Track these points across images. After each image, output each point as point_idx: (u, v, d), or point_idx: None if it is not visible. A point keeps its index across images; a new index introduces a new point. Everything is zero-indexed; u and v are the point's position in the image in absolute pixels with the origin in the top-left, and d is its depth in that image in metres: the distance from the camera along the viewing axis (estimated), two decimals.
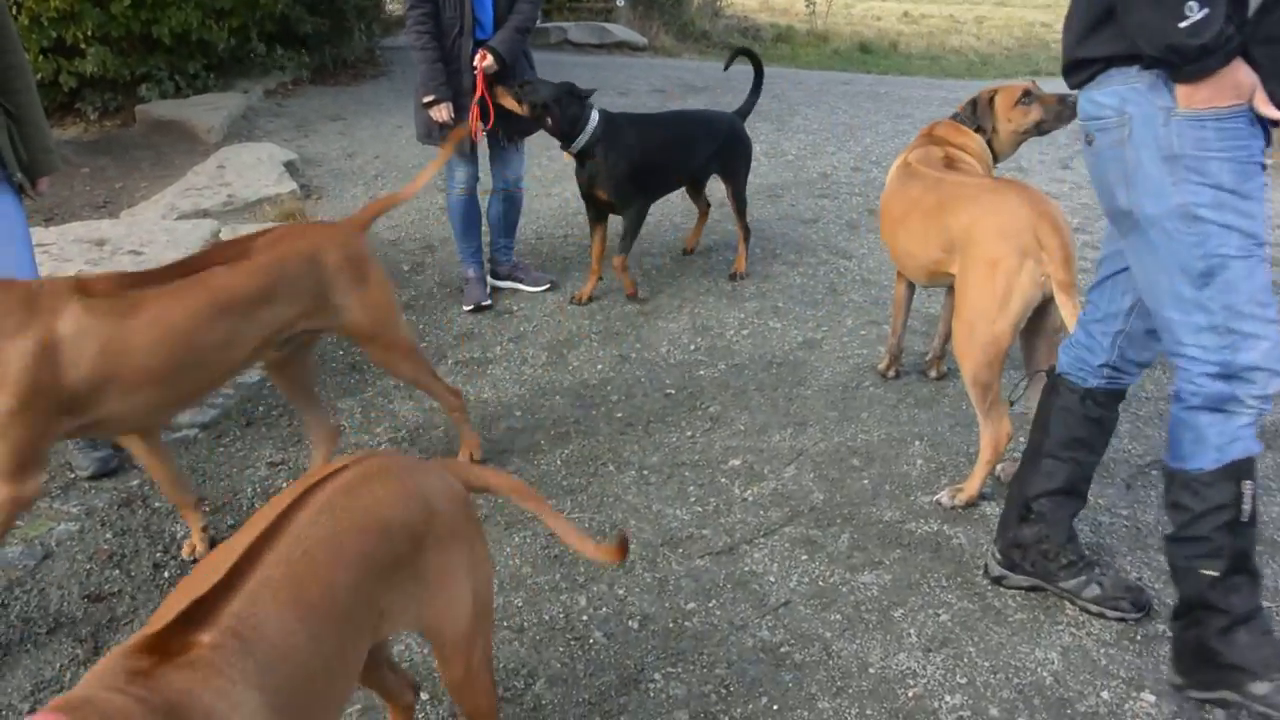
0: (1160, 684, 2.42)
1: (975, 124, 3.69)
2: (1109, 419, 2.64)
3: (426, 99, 4.23)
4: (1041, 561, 2.68)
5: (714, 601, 2.67)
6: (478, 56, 4.19)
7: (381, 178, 6.64)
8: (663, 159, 4.62)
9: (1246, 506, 2.22)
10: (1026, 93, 3.63)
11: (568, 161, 4.82)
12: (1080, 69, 2.28)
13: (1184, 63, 2.02)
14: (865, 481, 3.28)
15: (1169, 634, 2.59)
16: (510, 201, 4.73)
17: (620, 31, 15.01)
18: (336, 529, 1.52)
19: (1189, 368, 2.24)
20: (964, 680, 2.42)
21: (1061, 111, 3.57)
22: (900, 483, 3.28)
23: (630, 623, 2.59)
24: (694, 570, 2.80)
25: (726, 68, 5.06)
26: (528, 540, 2.92)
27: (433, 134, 4.32)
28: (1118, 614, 2.63)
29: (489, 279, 4.79)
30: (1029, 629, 2.60)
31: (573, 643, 2.52)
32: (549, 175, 6.91)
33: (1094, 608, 2.65)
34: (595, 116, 4.35)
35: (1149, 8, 2.01)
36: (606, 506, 3.10)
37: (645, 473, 3.30)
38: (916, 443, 3.54)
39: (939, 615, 2.64)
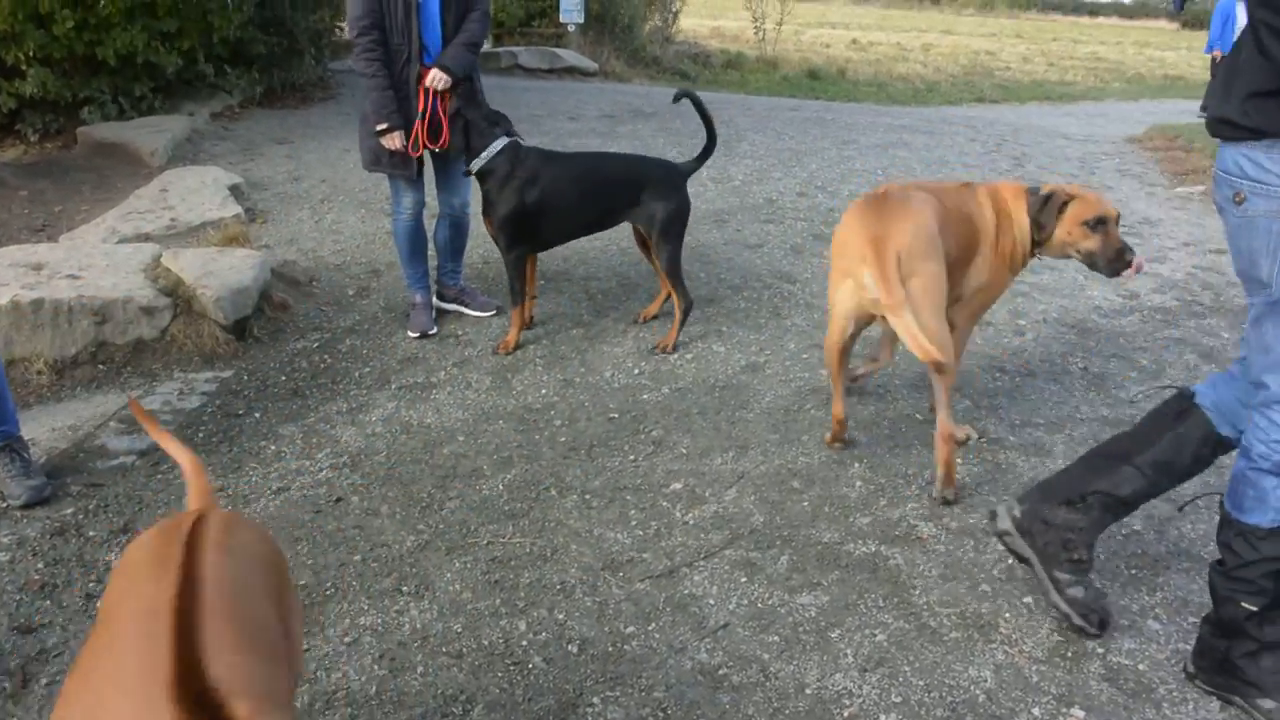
0: (1089, 700, 2.47)
1: (1035, 215, 3.42)
2: (1207, 464, 2.69)
3: (379, 127, 4.20)
4: (1055, 546, 2.68)
5: (653, 625, 2.69)
6: (428, 76, 4.18)
7: (328, 201, 6.62)
8: (562, 204, 4.33)
9: None
10: (1101, 219, 3.34)
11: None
12: (1242, 128, 2.22)
13: None
14: (805, 503, 3.32)
15: (1099, 651, 2.65)
16: (457, 226, 4.73)
17: (571, 57, 15.11)
18: (242, 570, 1.47)
19: (1270, 432, 2.30)
20: (899, 699, 2.46)
21: (1116, 262, 3.33)
22: (839, 504, 3.32)
23: (569, 647, 2.60)
24: (634, 594, 2.82)
25: (676, 101, 4.84)
26: (468, 566, 2.91)
27: (380, 161, 4.33)
28: (1082, 623, 2.67)
29: (434, 300, 4.78)
30: (963, 647, 2.65)
31: (511, 668, 2.52)
32: None
33: (1065, 607, 2.67)
34: (501, 142, 4.24)
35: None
36: (548, 531, 3.11)
37: (587, 497, 3.31)
38: (856, 464, 3.59)
39: (875, 635, 2.68)
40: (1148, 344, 4.92)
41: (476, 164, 4.25)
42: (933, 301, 3.14)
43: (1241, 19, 10.78)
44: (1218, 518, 3.28)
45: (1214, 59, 15.59)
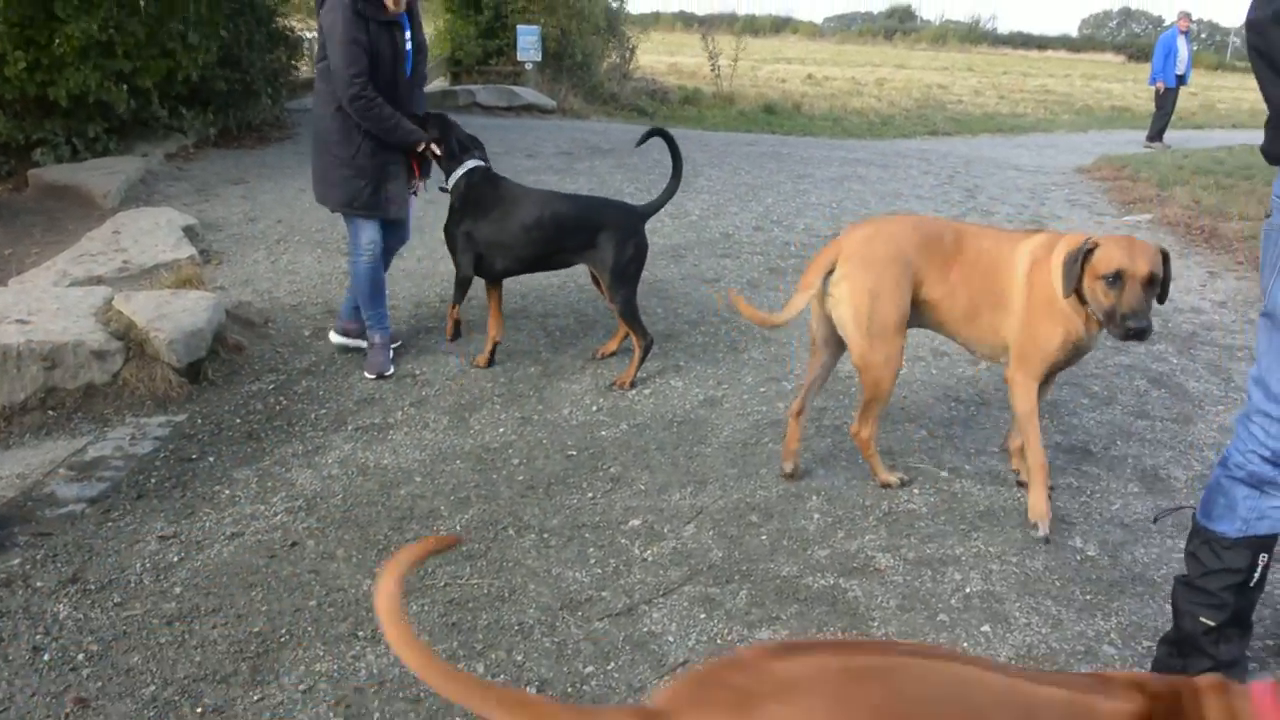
0: None
1: (1064, 268, 3.16)
2: None
3: (419, 146, 4.38)
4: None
5: (612, 664, 2.68)
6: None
7: (284, 241, 6.59)
8: (511, 238, 4.46)
9: (1258, 574, 2.39)
10: (1118, 274, 3.00)
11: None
12: (1270, 155, 2.38)
13: None
14: (764, 537, 3.33)
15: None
16: (385, 265, 4.76)
17: (529, 94, 15.19)
18: None
19: (1247, 442, 2.36)
20: None
21: (1117, 327, 3.02)
22: (797, 537, 3.33)
23: (528, 689, 2.57)
24: (593, 633, 2.80)
25: (640, 144, 4.84)
26: (425, 608, 2.89)
27: (355, 201, 4.34)
28: None
29: (338, 336, 4.80)
30: None
31: (469, 713, 2.49)
32: None
33: None
34: (471, 163, 4.51)
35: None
36: (506, 571, 3.09)
37: (545, 535, 3.30)
38: (814, 497, 3.60)
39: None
40: (1099, 370, 4.99)
41: (448, 182, 4.53)
42: (857, 307, 3.34)
43: (1183, 51, 11.21)
44: (1170, 543, 3.35)
45: (1157, 90, 15.98)
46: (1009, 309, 3.33)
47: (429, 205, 6.53)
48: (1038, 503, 3.36)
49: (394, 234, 4.69)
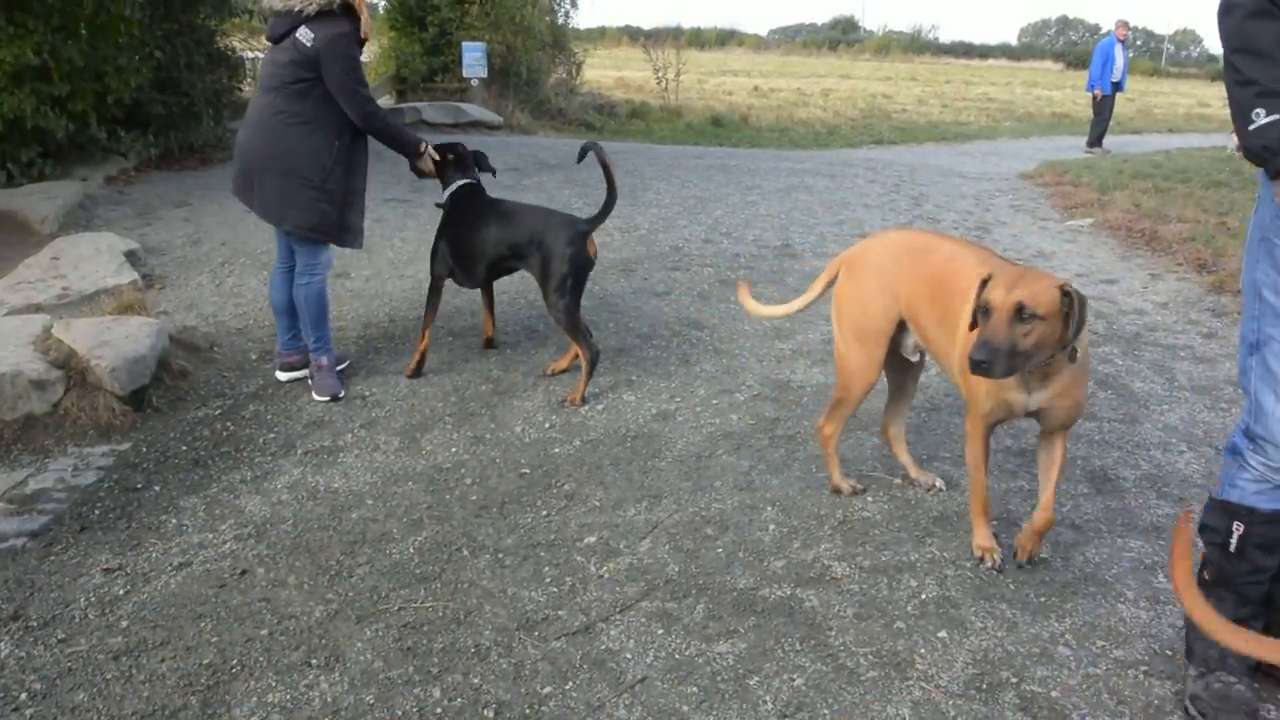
0: None
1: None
2: None
3: (420, 148, 4.58)
4: None
5: (570, 683, 2.65)
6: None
7: (229, 264, 6.50)
8: (474, 247, 4.67)
9: (1234, 542, 2.58)
10: (984, 307, 2.76)
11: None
12: None
13: (1258, 161, 2.30)
14: (720, 550, 3.32)
15: (1013, 681, 2.69)
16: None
17: (475, 111, 15.15)
18: None
19: (1241, 416, 2.58)
20: None
21: (969, 355, 2.73)
22: (754, 549, 3.33)
23: (485, 712, 2.54)
24: (550, 653, 2.77)
25: (580, 160, 4.88)
26: (380, 633, 2.84)
27: (321, 226, 4.36)
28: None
29: (284, 373, 4.71)
30: (880, 687, 2.66)
31: None
32: (401, 257, 6.88)
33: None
34: (460, 181, 4.76)
35: (1234, 113, 2.30)
36: (461, 593, 3.05)
37: (500, 555, 3.27)
38: (769, 508, 3.61)
39: (794, 680, 2.68)
40: None
41: (441, 196, 4.81)
42: (840, 310, 3.53)
43: (1119, 59, 11.46)
44: (1120, 542, 3.40)
45: (1094, 96, 16.30)
46: (955, 341, 3.14)
47: (375, 224, 6.48)
48: (980, 538, 3.30)
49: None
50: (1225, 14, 2.30)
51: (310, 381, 4.57)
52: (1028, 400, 2.98)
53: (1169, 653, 2.84)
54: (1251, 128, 2.25)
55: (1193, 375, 5.12)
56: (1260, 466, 2.49)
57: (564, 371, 4.82)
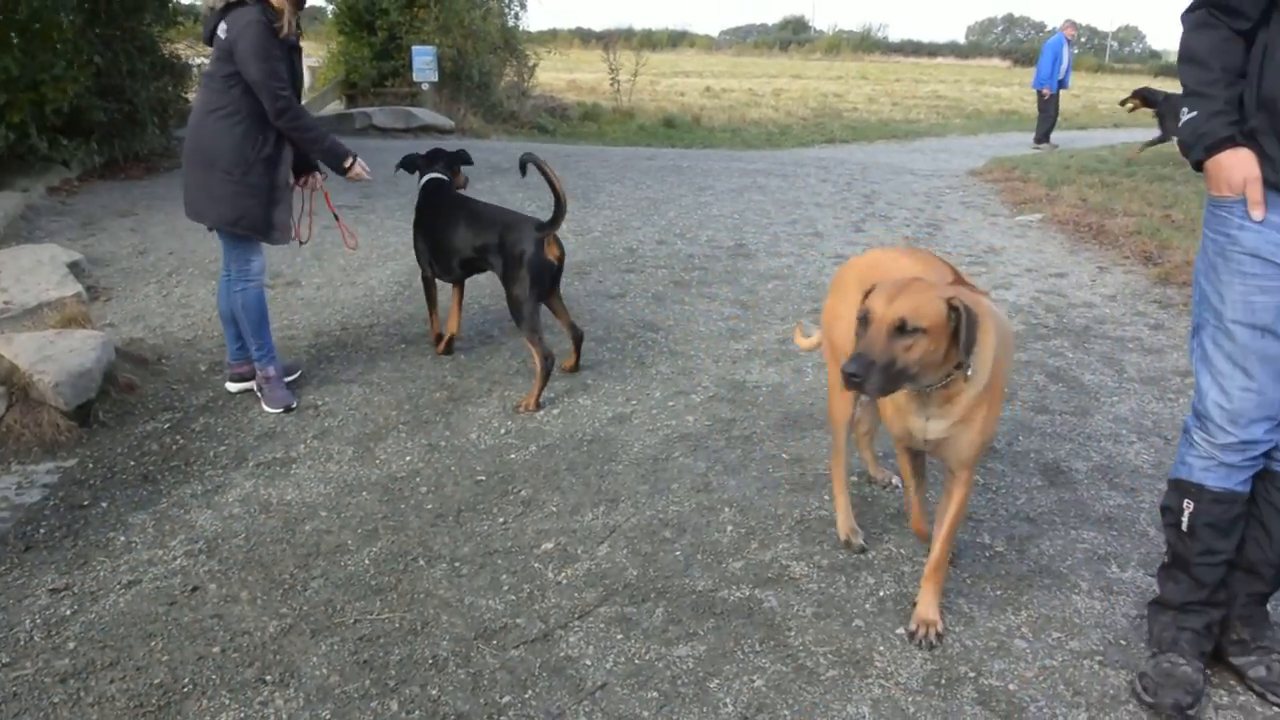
0: None
1: None
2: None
3: (346, 161, 4.39)
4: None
5: (530, 692, 2.63)
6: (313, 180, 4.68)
7: (176, 275, 6.39)
8: (444, 243, 4.83)
9: (1185, 520, 2.66)
10: (866, 316, 2.52)
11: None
12: None
13: (1185, 154, 2.50)
14: (678, 553, 3.31)
15: (971, 675, 2.71)
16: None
17: (426, 115, 15.05)
18: None
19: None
20: None
21: (841, 367, 2.47)
22: (712, 551, 3.32)
23: None
24: (509, 661, 2.75)
25: (523, 173, 4.87)
26: (335, 647, 2.80)
27: (242, 221, 4.23)
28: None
29: (235, 384, 4.63)
30: (840, 685, 2.66)
31: None
32: (353, 264, 6.81)
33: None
34: (426, 177, 5.05)
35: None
36: (418, 603, 3.02)
37: (457, 564, 3.23)
38: (726, 509, 3.60)
39: (754, 681, 2.67)
40: None
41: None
42: (822, 326, 3.47)
43: (1065, 58, 11.65)
44: (1074, 534, 3.44)
45: (1041, 95, 16.51)
46: None
47: (326, 231, 6.41)
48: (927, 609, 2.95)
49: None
50: (1181, 30, 2.51)
51: (259, 394, 4.50)
52: (925, 428, 2.73)
53: (1123, 642, 2.87)
54: (1179, 124, 2.49)
55: (1141, 366, 5.20)
56: (1204, 444, 2.59)
57: (573, 370, 4.92)
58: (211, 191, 4.20)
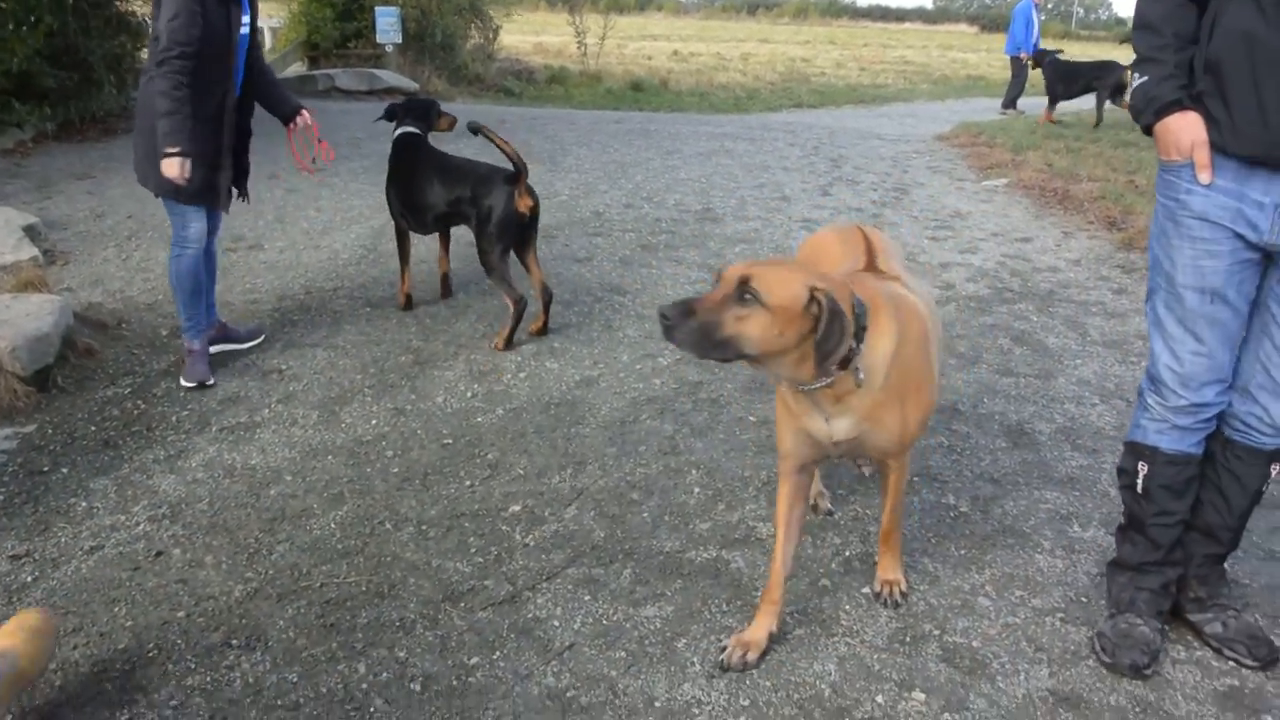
0: (929, 682, 2.54)
1: None
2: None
3: (172, 150, 3.88)
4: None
5: (498, 653, 2.63)
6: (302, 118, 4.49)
7: (135, 238, 6.28)
8: (417, 197, 4.89)
9: (1140, 482, 2.69)
10: (744, 283, 2.16)
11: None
12: None
13: (1135, 119, 2.53)
14: (645, 515, 3.32)
15: (935, 633, 2.74)
16: (213, 259, 4.54)
17: (390, 77, 14.85)
18: None
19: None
20: (747, 702, 2.47)
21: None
22: (679, 512, 3.33)
23: (412, 685, 2.51)
24: (476, 623, 2.75)
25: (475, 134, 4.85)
26: (301, 611, 2.79)
27: (183, 187, 4.08)
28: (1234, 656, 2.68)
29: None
30: (807, 644, 2.68)
31: (352, 714, 2.42)
32: (317, 228, 6.73)
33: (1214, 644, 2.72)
34: (401, 129, 5.04)
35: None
36: (384, 566, 3.00)
37: (424, 527, 3.22)
38: (694, 471, 3.61)
39: (721, 640, 2.68)
40: (965, 331, 5.14)
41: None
42: None
43: (1036, 24, 11.68)
44: (1037, 494, 3.48)
45: (1021, 59, 16.54)
46: None
47: (289, 195, 6.33)
48: (750, 630, 2.69)
49: (211, 226, 4.39)
50: None
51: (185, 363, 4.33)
52: (829, 429, 2.43)
53: (1084, 600, 2.92)
54: (1131, 89, 2.51)
55: (1104, 330, 5.25)
56: (1157, 406, 2.62)
57: (540, 334, 4.92)
58: (153, 156, 3.99)
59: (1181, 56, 2.40)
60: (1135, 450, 2.71)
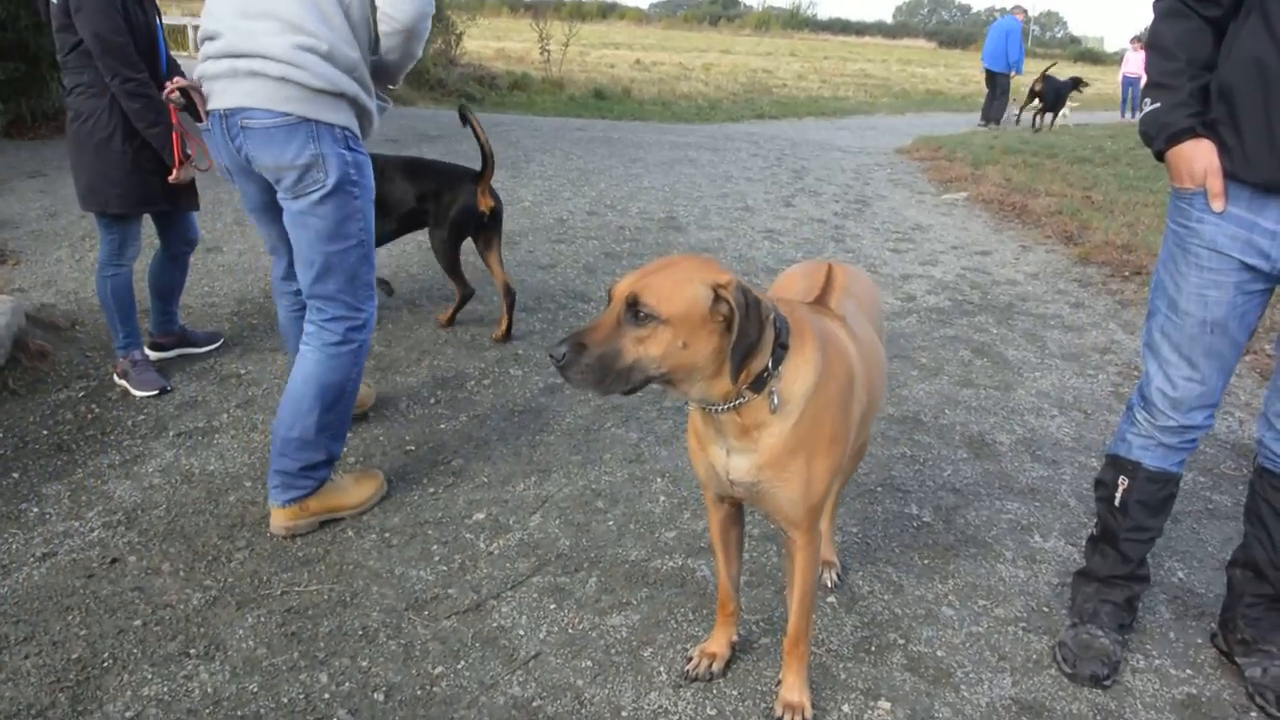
0: (894, 691, 2.55)
1: None
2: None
3: (176, 170, 3.93)
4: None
5: (463, 662, 2.60)
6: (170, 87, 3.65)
7: (89, 238, 6.16)
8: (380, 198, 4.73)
9: (1119, 495, 2.71)
10: (634, 303, 1.87)
11: None
12: None
13: (1147, 144, 2.50)
14: (610, 523, 3.30)
15: (900, 643, 2.75)
16: (184, 265, 4.46)
17: None
18: None
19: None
20: (714, 712, 2.46)
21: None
22: (644, 521, 3.32)
23: (375, 695, 2.47)
24: (440, 632, 2.72)
25: (464, 124, 4.82)
26: (262, 619, 2.74)
27: (151, 198, 3.98)
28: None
29: (152, 352, 4.42)
30: (773, 653, 2.68)
31: None
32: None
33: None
34: None
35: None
36: (346, 575, 2.96)
37: (386, 535, 3.19)
38: (658, 480, 3.60)
39: (687, 649, 2.67)
40: (926, 343, 5.18)
41: None
42: None
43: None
44: (999, 504, 3.50)
45: (1005, 76, 17.00)
46: None
47: None
48: (710, 641, 2.65)
49: (187, 234, 4.35)
50: (1152, 17, 2.49)
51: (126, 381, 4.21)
52: (727, 464, 2.15)
53: (1045, 609, 2.94)
54: (1142, 115, 2.49)
55: (1062, 343, 5.32)
56: (1145, 423, 2.64)
57: (503, 340, 4.91)
58: (109, 175, 3.96)
59: (1195, 84, 2.36)
60: (1117, 464, 2.72)
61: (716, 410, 2.02)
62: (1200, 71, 2.36)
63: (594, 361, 1.84)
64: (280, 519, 3.14)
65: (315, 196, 2.91)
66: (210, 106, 2.97)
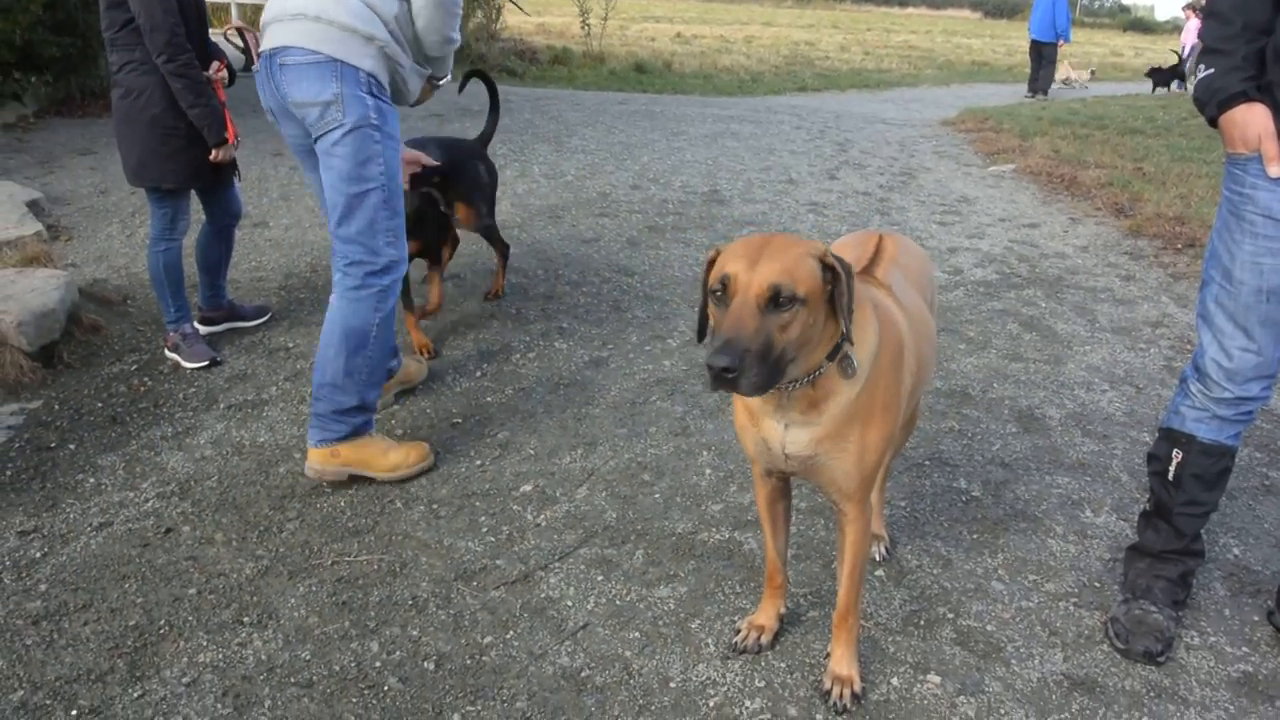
0: (944, 665, 2.53)
1: None
2: None
3: (219, 140, 4.00)
4: None
5: (511, 632, 2.62)
6: (215, 68, 4.05)
7: (139, 214, 6.24)
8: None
9: (1172, 469, 2.68)
10: (724, 283, 1.88)
11: None
12: None
13: (1200, 110, 2.47)
14: (657, 495, 3.30)
15: (949, 617, 2.73)
16: (230, 239, 4.50)
17: None
18: None
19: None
20: (762, 684, 2.46)
21: (707, 362, 1.79)
22: (691, 494, 3.32)
23: (426, 664, 2.50)
24: (489, 602, 2.74)
25: (461, 90, 4.90)
26: (313, 589, 2.77)
27: (203, 171, 4.05)
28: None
29: (202, 327, 4.47)
30: (821, 626, 2.67)
31: (366, 692, 2.41)
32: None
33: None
34: None
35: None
36: (395, 545, 2.99)
37: (435, 506, 3.21)
38: (705, 453, 3.60)
39: (735, 621, 2.67)
40: (973, 316, 5.12)
41: None
42: None
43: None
44: (1048, 479, 3.46)
45: (1053, 45, 16.75)
46: None
47: (294, 171, 6.29)
48: (758, 614, 2.65)
49: (231, 208, 4.40)
50: None
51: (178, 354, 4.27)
52: (784, 438, 2.13)
53: (1097, 585, 2.91)
54: (1196, 80, 2.44)
55: (1113, 317, 5.23)
56: (1200, 395, 2.60)
57: (499, 298, 4.96)
58: (160, 151, 4.04)
59: (1251, 48, 2.31)
60: (1170, 437, 2.68)
61: (797, 385, 2.00)
62: (1257, 35, 2.32)
63: (757, 360, 1.80)
64: (313, 459, 3.26)
65: (335, 135, 3.01)
66: (261, 49, 3.12)
